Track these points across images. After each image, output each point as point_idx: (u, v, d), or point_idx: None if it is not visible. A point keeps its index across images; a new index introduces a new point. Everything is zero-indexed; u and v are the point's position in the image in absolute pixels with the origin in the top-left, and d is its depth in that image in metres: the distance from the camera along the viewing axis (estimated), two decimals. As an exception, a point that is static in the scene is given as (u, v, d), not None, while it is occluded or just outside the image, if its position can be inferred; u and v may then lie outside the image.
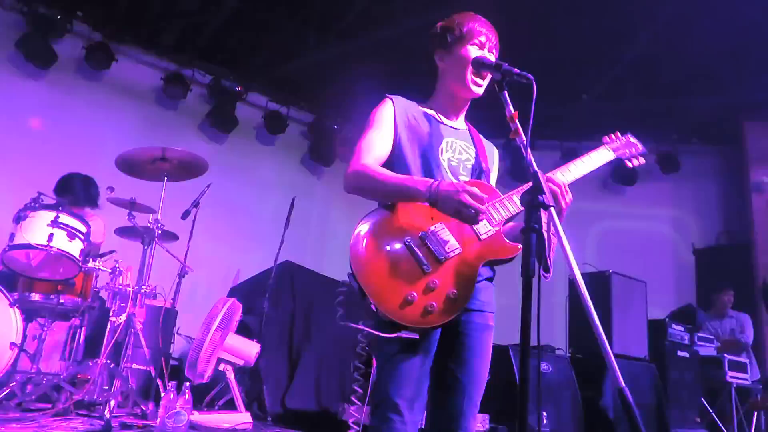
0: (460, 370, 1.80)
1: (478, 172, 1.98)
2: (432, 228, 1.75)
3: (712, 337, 5.82)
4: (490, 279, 1.92)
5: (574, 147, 7.20)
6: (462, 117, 2.06)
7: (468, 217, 1.66)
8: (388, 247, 1.71)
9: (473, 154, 1.99)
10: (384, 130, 1.89)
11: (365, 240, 1.71)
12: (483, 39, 1.93)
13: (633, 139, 2.17)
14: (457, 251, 1.75)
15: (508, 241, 1.81)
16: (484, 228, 1.79)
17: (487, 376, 1.85)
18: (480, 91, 1.95)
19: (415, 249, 1.71)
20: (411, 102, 1.98)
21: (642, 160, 2.15)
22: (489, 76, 1.89)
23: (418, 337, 1.68)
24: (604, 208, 7.21)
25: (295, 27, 5.89)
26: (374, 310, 1.65)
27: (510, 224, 1.88)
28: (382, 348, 1.73)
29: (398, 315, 1.64)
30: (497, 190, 1.89)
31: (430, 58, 2.05)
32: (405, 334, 1.66)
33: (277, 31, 6.00)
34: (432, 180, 1.72)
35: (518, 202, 1.80)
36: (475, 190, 1.66)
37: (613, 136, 2.14)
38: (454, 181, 1.86)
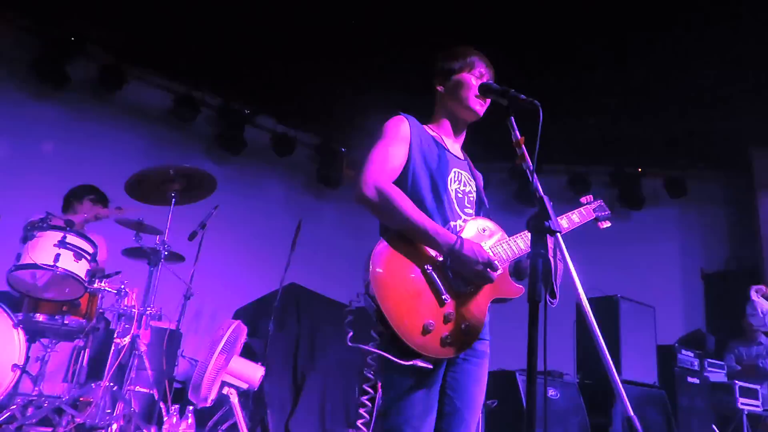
0: (458, 398, 1.79)
1: (479, 204, 2.03)
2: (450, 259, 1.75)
3: (722, 363, 5.75)
4: None
5: (581, 172, 7.21)
6: (460, 143, 2.09)
7: (479, 283, 1.76)
8: (409, 274, 1.69)
9: (474, 186, 2.03)
10: (400, 147, 1.87)
11: (386, 262, 1.67)
12: (483, 71, 1.99)
13: (603, 204, 2.29)
14: (471, 286, 1.76)
15: (513, 282, 1.87)
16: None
17: (482, 402, 1.87)
18: (481, 112, 1.99)
19: (435, 278, 1.70)
20: (421, 125, 2.00)
21: (609, 223, 2.29)
22: (488, 101, 1.95)
23: (431, 367, 1.65)
24: (611, 233, 7.15)
25: (305, 51, 5.96)
26: (391, 334, 1.61)
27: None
28: (393, 375, 1.69)
29: (418, 343, 1.62)
30: (503, 231, 1.92)
31: (430, 82, 2.08)
32: (420, 363, 1.63)
33: (286, 55, 6.07)
34: (454, 239, 1.73)
35: (522, 245, 1.87)
36: (494, 261, 1.73)
37: (589, 197, 2.25)
38: (463, 213, 1.91)
